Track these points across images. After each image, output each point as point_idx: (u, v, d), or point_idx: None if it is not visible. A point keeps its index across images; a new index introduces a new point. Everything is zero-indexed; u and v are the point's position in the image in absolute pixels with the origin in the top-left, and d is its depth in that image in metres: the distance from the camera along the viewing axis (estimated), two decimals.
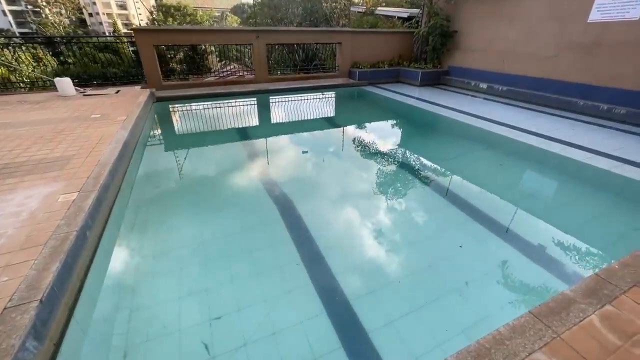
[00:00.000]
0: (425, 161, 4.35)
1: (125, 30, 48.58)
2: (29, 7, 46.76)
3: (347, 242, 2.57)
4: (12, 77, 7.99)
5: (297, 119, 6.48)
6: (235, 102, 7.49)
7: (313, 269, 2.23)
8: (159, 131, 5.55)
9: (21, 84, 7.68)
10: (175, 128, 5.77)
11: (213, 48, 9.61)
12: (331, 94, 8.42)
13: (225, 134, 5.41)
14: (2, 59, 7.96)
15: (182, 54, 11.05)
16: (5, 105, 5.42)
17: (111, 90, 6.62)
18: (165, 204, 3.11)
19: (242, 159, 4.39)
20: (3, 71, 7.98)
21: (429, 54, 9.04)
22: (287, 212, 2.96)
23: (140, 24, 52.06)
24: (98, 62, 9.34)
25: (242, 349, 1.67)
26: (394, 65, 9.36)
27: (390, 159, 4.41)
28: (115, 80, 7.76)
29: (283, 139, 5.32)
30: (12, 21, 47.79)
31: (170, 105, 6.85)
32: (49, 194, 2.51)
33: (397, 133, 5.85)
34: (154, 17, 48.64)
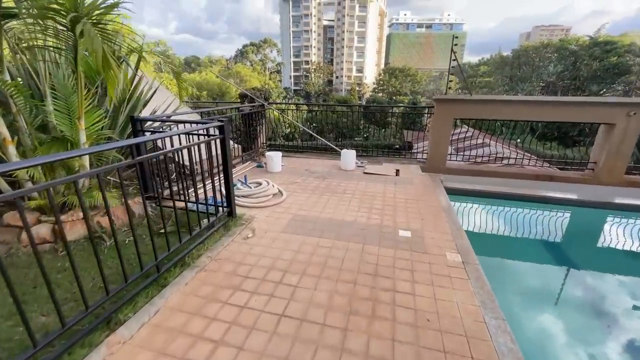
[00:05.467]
0: None
1: (357, 88, 58.44)
2: (304, 73, 66.13)
3: None
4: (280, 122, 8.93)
5: None
6: (545, 211, 4.53)
7: None
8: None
9: (283, 127, 8.38)
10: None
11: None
12: None
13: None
14: (280, 105, 9.07)
15: None
16: (289, 174, 5.01)
17: (388, 168, 5.33)
18: None
19: None
20: (276, 115, 8.98)
21: None
22: None
23: (366, 82, 61.37)
24: (335, 113, 9.37)
25: None
26: None
27: None
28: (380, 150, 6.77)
29: None
30: (292, 82, 69.07)
31: (459, 202, 4.76)
32: None
33: None
34: (380, 78, 55.68)
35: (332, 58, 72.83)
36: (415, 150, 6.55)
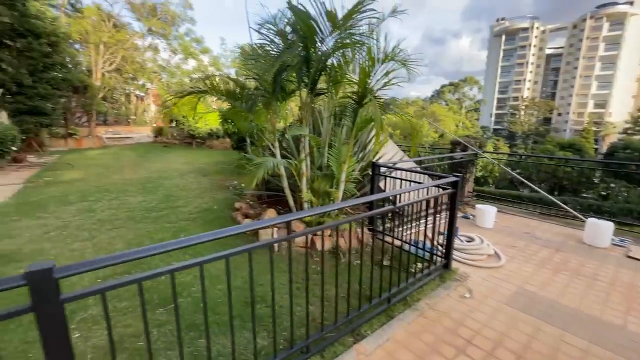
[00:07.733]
0: None
1: (594, 128, 44.06)
2: (510, 110, 57.48)
3: None
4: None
5: None
6: None
7: None
8: None
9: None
10: None
11: None
12: None
13: None
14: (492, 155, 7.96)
15: None
16: (503, 234, 4.34)
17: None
18: None
19: None
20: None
21: None
22: None
23: (610, 121, 44.35)
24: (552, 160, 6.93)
25: None
26: None
27: None
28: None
29: None
30: (492, 120, 61.65)
31: None
32: None
33: None
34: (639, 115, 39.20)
35: (554, 92, 59.03)
36: None
